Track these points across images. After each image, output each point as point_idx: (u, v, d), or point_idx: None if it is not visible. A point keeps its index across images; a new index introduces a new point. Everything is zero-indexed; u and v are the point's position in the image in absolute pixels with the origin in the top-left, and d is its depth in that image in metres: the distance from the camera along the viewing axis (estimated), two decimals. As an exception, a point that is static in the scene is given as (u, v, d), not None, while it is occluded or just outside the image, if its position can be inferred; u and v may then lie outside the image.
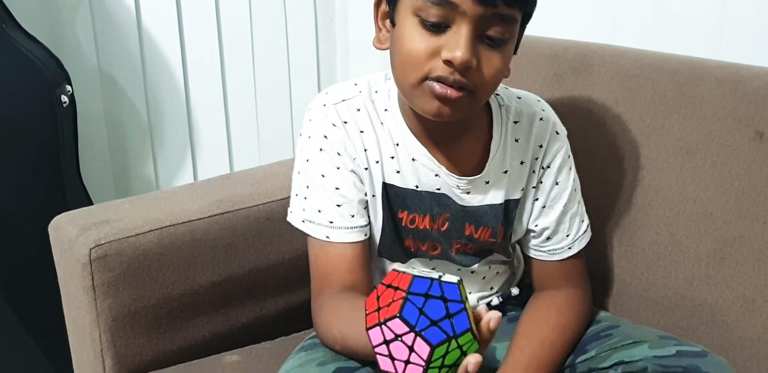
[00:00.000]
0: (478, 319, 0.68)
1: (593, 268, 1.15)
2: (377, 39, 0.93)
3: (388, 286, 0.66)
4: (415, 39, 0.84)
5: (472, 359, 0.66)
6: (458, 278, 0.67)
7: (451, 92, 0.84)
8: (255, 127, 1.99)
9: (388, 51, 0.92)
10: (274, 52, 1.98)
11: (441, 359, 0.65)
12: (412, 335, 0.64)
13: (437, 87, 0.84)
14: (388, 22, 0.91)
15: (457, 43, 0.82)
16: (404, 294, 0.64)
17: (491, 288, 1.08)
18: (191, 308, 1.13)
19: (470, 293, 1.06)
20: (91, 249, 1.04)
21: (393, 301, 0.65)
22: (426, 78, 0.85)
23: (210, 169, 1.92)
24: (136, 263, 1.07)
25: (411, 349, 0.65)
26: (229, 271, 1.15)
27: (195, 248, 1.12)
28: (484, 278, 1.06)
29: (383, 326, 0.65)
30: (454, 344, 0.65)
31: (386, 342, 0.66)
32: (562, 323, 0.99)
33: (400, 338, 0.65)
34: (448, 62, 0.83)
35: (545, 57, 1.31)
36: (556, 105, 1.23)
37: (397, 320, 0.64)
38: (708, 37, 1.35)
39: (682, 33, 1.39)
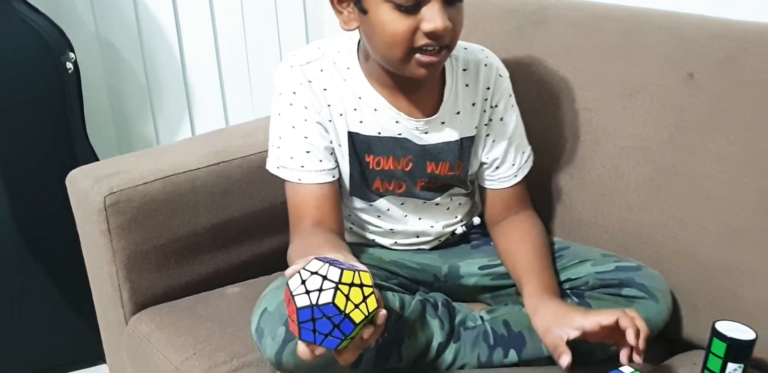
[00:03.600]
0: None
1: (548, 200, 1.29)
2: (343, 21, 1.04)
3: (289, 301, 0.79)
4: (395, 21, 0.97)
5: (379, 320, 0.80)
6: (338, 274, 0.78)
7: (435, 58, 0.99)
8: (248, 84, 2.09)
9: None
10: (263, 11, 2.06)
11: (350, 339, 0.79)
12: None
13: (423, 59, 0.99)
14: (348, 5, 1.02)
15: (434, 16, 0.96)
16: (295, 326, 0.78)
17: (456, 217, 1.22)
18: (195, 247, 1.27)
19: (437, 222, 1.20)
20: (105, 197, 1.18)
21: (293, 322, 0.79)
22: (411, 51, 0.98)
23: (206, 125, 2.03)
24: (145, 208, 1.20)
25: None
26: (227, 214, 1.29)
27: (196, 194, 1.25)
28: (448, 208, 1.20)
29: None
30: (354, 333, 0.79)
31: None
32: (537, 238, 1.15)
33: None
34: (431, 34, 0.96)
35: (506, 12, 1.42)
36: (516, 55, 1.36)
37: (300, 342, 0.79)
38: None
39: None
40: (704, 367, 0.98)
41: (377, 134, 1.11)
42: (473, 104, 1.14)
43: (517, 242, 1.15)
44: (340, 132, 1.11)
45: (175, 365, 1.10)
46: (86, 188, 1.21)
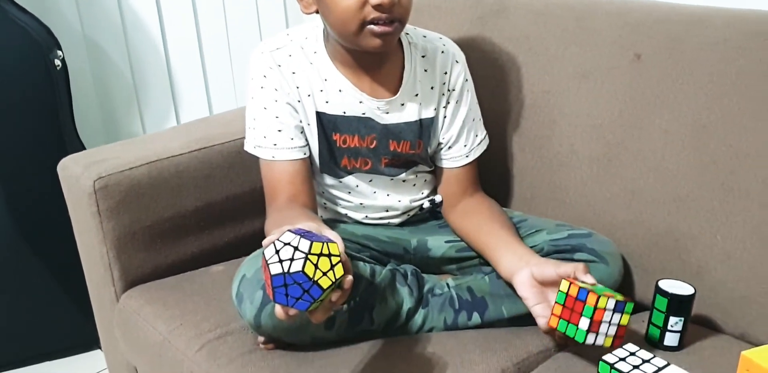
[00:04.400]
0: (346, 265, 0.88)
1: (510, 177, 1.37)
2: (303, 6, 1.14)
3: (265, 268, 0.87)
4: None
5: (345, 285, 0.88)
6: (307, 245, 0.85)
7: (388, 28, 1.07)
8: (230, 75, 2.16)
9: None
10: (244, 5, 2.13)
11: (320, 302, 0.87)
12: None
13: (376, 28, 1.07)
14: None
15: None
16: (270, 290, 0.86)
17: (422, 193, 1.31)
18: (180, 228, 1.35)
19: (405, 197, 1.29)
20: (94, 181, 1.25)
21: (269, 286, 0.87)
22: (363, 24, 1.07)
23: (191, 116, 2.09)
24: (132, 192, 1.28)
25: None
26: (209, 197, 1.36)
27: (179, 178, 1.33)
28: (414, 185, 1.29)
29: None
30: (323, 296, 0.87)
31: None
32: (501, 215, 1.23)
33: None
34: (378, 6, 1.05)
35: (471, 2, 1.50)
36: (480, 43, 1.44)
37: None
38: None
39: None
40: (649, 321, 1.06)
41: (342, 113, 1.20)
42: (432, 88, 1.22)
43: (483, 222, 1.22)
44: (308, 112, 1.20)
45: (164, 335, 1.18)
46: (77, 173, 1.29)
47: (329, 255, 0.86)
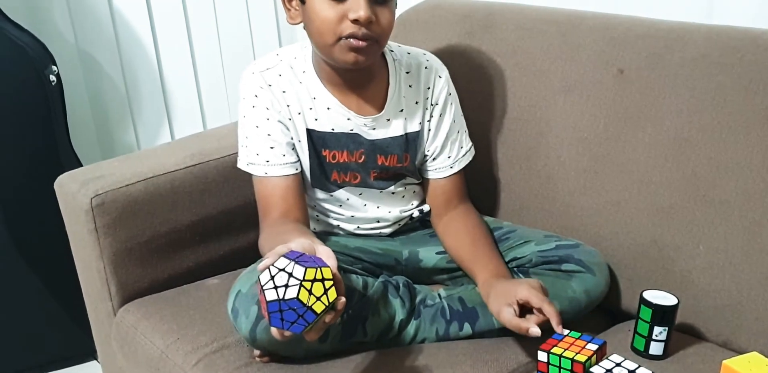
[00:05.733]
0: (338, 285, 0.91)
1: (498, 188, 1.40)
2: (289, 16, 1.18)
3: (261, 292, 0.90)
4: (325, 9, 1.10)
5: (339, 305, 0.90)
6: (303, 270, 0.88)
7: (362, 43, 1.11)
8: (224, 90, 2.19)
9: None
10: (236, 20, 2.16)
11: (314, 324, 0.90)
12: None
13: (351, 41, 1.11)
14: (294, 2, 1.16)
15: (359, 6, 1.08)
16: (266, 313, 0.89)
17: (411, 204, 1.34)
18: (176, 243, 1.37)
19: (394, 208, 1.32)
20: (91, 199, 1.28)
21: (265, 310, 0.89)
22: (340, 38, 1.10)
23: (185, 130, 2.13)
24: (129, 208, 1.31)
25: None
26: (204, 212, 1.39)
27: (175, 194, 1.35)
28: (403, 196, 1.33)
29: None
30: (316, 320, 0.89)
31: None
32: (476, 231, 1.26)
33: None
34: (355, 21, 1.09)
35: (459, 17, 1.53)
36: (468, 57, 1.47)
37: (271, 303, 0.88)
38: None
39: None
40: (635, 331, 1.09)
41: (331, 130, 1.23)
42: (416, 103, 1.26)
43: (461, 236, 1.26)
44: (299, 129, 1.23)
45: (161, 349, 1.20)
46: (73, 191, 1.31)
47: (322, 280, 0.89)
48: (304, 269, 0.88)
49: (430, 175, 1.31)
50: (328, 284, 0.89)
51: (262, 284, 0.89)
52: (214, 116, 2.20)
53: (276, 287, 0.88)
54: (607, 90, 1.28)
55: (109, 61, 2.01)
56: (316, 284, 0.88)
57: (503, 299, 1.06)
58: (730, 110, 1.14)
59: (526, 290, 1.03)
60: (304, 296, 0.88)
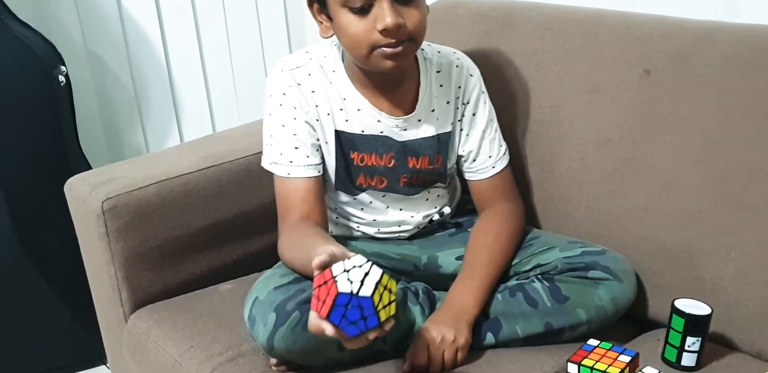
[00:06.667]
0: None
1: (520, 192, 1.36)
2: (321, 31, 1.15)
3: (325, 283, 0.86)
4: (353, 24, 1.07)
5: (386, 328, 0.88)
6: (378, 276, 0.86)
7: (397, 50, 1.08)
8: (233, 91, 2.16)
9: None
10: (246, 21, 2.13)
11: (366, 332, 0.86)
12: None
13: (387, 51, 1.08)
14: (323, 16, 1.13)
15: (383, 15, 1.05)
16: (328, 307, 0.85)
17: (435, 207, 1.31)
18: (189, 247, 1.34)
19: (417, 212, 1.29)
20: (102, 202, 1.25)
21: (325, 302, 0.86)
22: (373, 48, 1.07)
23: (194, 132, 2.10)
24: (141, 212, 1.27)
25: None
26: (218, 215, 1.35)
27: (188, 197, 1.32)
28: (427, 199, 1.29)
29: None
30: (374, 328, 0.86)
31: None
32: (497, 230, 1.22)
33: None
34: (384, 31, 1.05)
35: (477, 16, 1.50)
36: (487, 57, 1.43)
37: (316, 317, 0.85)
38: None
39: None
40: (666, 341, 1.06)
41: (361, 132, 1.20)
42: (447, 102, 1.23)
43: (473, 238, 1.23)
44: (327, 130, 1.19)
45: (174, 358, 1.17)
46: (84, 194, 1.28)
47: (390, 291, 0.86)
48: (381, 272, 0.85)
49: (471, 176, 1.28)
50: (392, 297, 0.86)
51: (335, 273, 0.85)
52: (223, 116, 2.17)
53: (350, 281, 0.84)
54: (632, 91, 1.25)
55: (117, 62, 1.98)
56: (386, 292, 0.85)
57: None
58: (762, 113, 1.11)
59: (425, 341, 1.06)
60: (376, 297, 0.84)
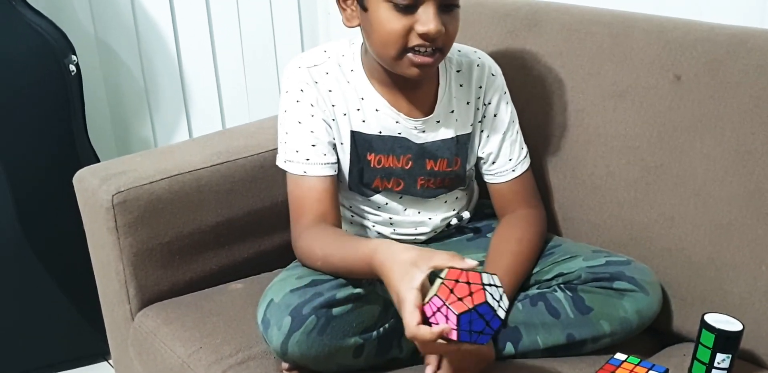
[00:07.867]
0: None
1: (542, 198, 1.33)
2: (346, 18, 1.11)
3: (457, 281, 0.84)
4: (392, 20, 1.03)
5: None
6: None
7: (429, 59, 1.05)
8: (244, 87, 2.13)
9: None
10: (259, 16, 2.10)
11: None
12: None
13: (416, 59, 1.05)
14: (351, 3, 1.08)
15: (428, 19, 1.01)
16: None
17: (453, 210, 1.27)
18: (200, 244, 1.30)
19: (435, 214, 1.25)
20: (113, 196, 1.21)
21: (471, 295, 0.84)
22: (404, 50, 1.04)
23: (203, 127, 2.07)
24: (151, 207, 1.24)
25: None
26: (230, 212, 1.32)
27: (200, 193, 1.29)
28: (445, 201, 1.25)
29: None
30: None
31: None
32: (519, 237, 1.19)
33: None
34: (424, 35, 1.02)
35: (500, 15, 1.46)
36: (510, 58, 1.40)
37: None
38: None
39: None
40: (694, 357, 1.02)
41: (378, 133, 1.16)
42: (467, 103, 1.19)
43: (494, 244, 1.20)
44: (343, 131, 1.16)
45: (182, 359, 1.13)
46: (94, 187, 1.24)
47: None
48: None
49: (490, 179, 1.25)
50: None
51: (485, 282, 0.85)
52: (233, 111, 2.14)
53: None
54: (662, 97, 1.21)
55: (128, 52, 1.95)
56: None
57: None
58: (798, 122, 1.07)
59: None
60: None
